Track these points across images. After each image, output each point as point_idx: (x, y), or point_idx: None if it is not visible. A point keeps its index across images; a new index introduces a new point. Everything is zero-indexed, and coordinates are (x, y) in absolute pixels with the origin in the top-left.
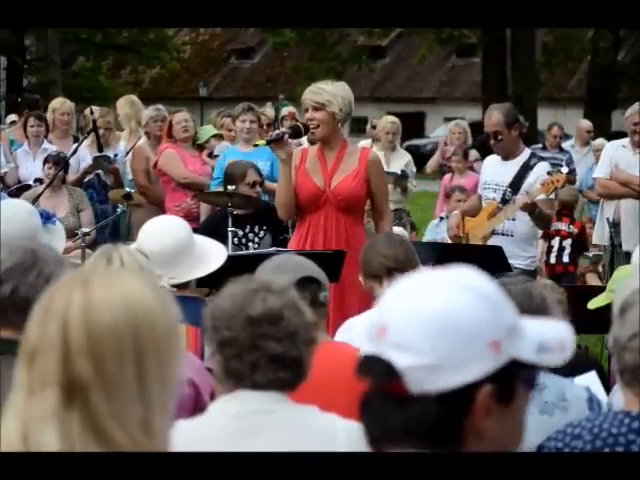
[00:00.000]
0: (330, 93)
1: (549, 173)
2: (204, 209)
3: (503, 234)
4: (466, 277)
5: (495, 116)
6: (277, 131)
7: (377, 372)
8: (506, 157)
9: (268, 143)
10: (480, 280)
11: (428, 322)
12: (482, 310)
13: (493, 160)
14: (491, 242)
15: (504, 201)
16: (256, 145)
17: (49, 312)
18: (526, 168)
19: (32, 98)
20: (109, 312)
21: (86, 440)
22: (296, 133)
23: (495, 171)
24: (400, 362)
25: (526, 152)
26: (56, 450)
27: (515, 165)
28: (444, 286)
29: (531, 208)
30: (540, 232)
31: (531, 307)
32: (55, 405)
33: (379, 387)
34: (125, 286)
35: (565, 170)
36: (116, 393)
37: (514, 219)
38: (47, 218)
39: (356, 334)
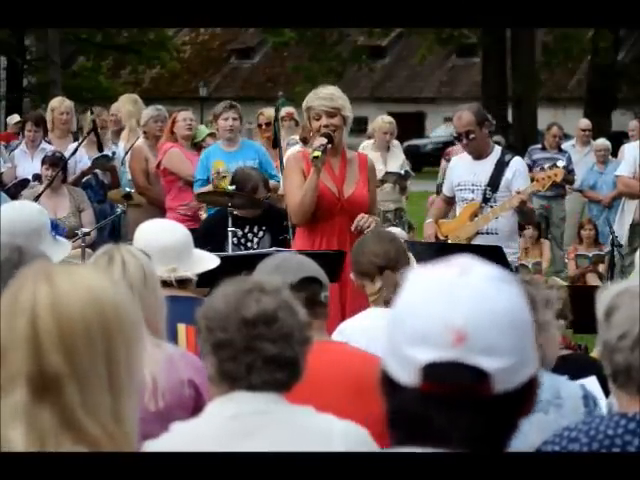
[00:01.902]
0: (340, 97)
1: (542, 169)
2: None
3: (488, 233)
4: (496, 271)
5: (466, 116)
6: (323, 142)
7: (465, 378)
8: (478, 156)
9: (323, 154)
10: (502, 272)
11: (504, 322)
12: (524, 302)
13: (463, 160)
14: (477, 241)
15: (485, 200)
16: (316, 157)
17: (15, 309)
18: (501, 165)
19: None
20: (77, 305)
21: (57, 433)
22: (330, 141)
23: (468, 171)
24: (489, 366)
25: (497, 149)
26: (22, 445)
27: (489, 163)
28: (498, 283)
29: (523, 207)
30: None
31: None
32: (24, 401)
33: (462, 392)
34: (88, 280)
35: (562, 164)
36: (88, 383)
37: (497, 217)
38: (55, 228)
39: (352, 335)
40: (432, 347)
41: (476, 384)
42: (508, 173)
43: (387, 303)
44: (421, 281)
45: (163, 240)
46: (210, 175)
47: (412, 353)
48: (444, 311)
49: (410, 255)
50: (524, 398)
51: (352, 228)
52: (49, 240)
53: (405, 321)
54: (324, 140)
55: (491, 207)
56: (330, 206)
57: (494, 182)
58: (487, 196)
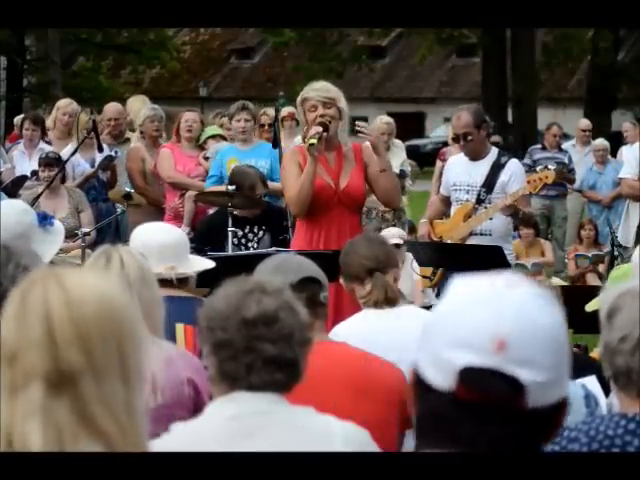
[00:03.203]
0: (335, 90)
1: (535, 171)
2: (188, 209)
3: (482, 234)
4: (540, 290)
5: (464, 117)
6: (317, 130)
7: (501, 386)
8: (475, 157)
9: (319, 141)
10: (545, 292)
11: (545, 338)
12: (565, 323)
13: (459, 161)
14: (471, 242)
15: (479, 201)
16: (312, 145)
17: (26, 310)
18: (497, 167)
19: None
20: (89, 302)
21: (73, 430)
22: (326, 130)
23: (464, 172)
24: (526, 378)
25: (493, 151)
26: (41, 444)
27: (485, 165)
28: (542, 300)
29: (512, 210)
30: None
31: None
32: (40, 399)
33: (495, 402)
34: (95, 279)
35: (553, 166)
36: (103, 377)
37: (491, 218)
38: (44, 218)
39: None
40: (472, 352)
41: (511, 394)
42: (504, 175)
43: (377, 305)
44: (467, 288)
45: (161, 239)
46: (224, 171)
47: (451, 356)
48: (489, 318)
49: (409, 255)
50: (553, 419)
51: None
52: (39, 236)
53: (447, 324)
54: (319, 128)
55: (485, 208)
56: (327, 199)
57: (489, 183)
58: (481, 197)
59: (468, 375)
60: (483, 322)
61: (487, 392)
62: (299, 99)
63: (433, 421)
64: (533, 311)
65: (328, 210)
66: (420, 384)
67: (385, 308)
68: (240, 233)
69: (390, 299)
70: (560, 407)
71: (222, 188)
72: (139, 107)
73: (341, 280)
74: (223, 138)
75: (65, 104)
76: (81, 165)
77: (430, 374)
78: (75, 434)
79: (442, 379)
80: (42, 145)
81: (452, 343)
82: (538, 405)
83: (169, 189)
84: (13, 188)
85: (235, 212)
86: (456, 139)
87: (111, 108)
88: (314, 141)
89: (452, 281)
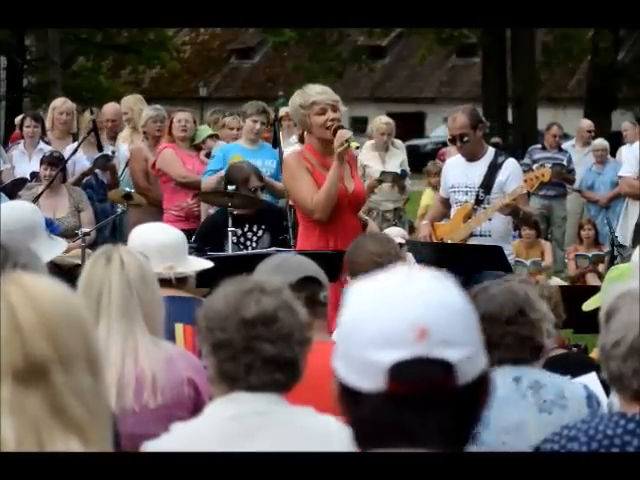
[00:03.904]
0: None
1: (531, 170)
2: (204, 209)
3: (481, 235)
4: (433, 272)
5: (460, 118)
6: (348, 133)
7: (433, 372)
8: (472, 158)
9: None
10: (439, 272)
11: (460, 314)
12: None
13: (457, 162)
14: (471, 243)
15: (478, 202)
16: (358, 147)
17: None
18: (494, 167)
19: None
20: (50, 296)
21: (47, 423)
22: None
23: (462, 173)
24: (453, 357)
25: (490, 151)
26: (14, 440)
27: (482, 165)
28: (441, 280)
29: (510, 209)
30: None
31: (517, 303)
32: (10, 396)
33: (429, 388)
34: (48, 280)
35: (549, 165)
36: (72, 366)
37: (490, 219)
38: (49, 224)
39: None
40: (396, 347)
41: (443, 377)
42: (501, 175)
43: None
44: (369, 289)
45: (160, 239)
46: (225, 168)
47: (376, 357)
48: (401, 310)
49: (410, 255)
50: (482, 389)
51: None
52: (43, 238)
53: (362, 328)
54: (348, 132)
55: (484, 209)
56: (340, 202)
57: (487, 184)
58: (480, 198)
59: (398, 370)
60: (397, 315)
61: (420, 381)
62: (303, 102)
63: (373, 425)
64: (441, 292)
65: (340, 214)
66: (347, 393)
67: None
68: (239, 232)
69: None
70: (484, 378)
71: (216, 179)
72: (138, 107)
73: (347, 277)
74: (217, 137)
75: (60, 103)
76: (82, 163)
77: (355, 380)
78: (49, 427)
79: (370, 382)
80: (42, 145)
81: (373, 344)
82: (467, 380)
83: (178, 189)
84: (13, 189)
85: (235, 212)
86: (453, 140)
87: (109, 109)
88: (355, 144)
89: (349, 288)
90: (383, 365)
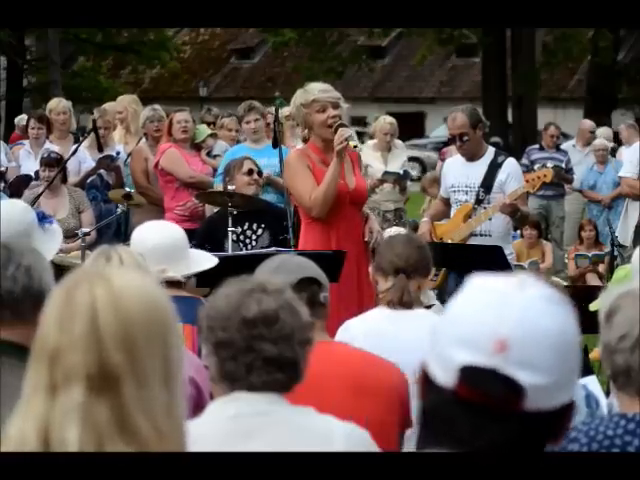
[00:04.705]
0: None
1: (533, 171)
2: (209, 208)
3: (482, 235)
4: (552, 292)
5: (460, 118)
6: (349, 131)
7: (500, 387)
8: (472, 158)
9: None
10: (558, 294)
11: (549, 341)
12: (576, 326)
13: (456, 162)
14: (471, 243)
15: (478, 202)
16: (356, 146)
17: (72, 310)
18: (494, 166)
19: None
20: (136, 304)
21: (111, 433)
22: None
23: (461, 173)
24: (524, 380)
25: (490, 151)
26: (77, 445)
27: (482, 165)
28: (552, 301)
29: (511, 209)
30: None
31: None
32: (81, 400)
33: (493, 402)
34: (142, 281)
35: (551, 164)
36: (146, 381)
37: (490, 219)
38: (42, 218)
39: (356, 333)
40: (472, 351)
41: (509, 396)
42: (501, 175)
43: (390, 304)
44: (478, 287)
45: (152, 241)
46: None
47: (452, 353)
48: (492, 319)
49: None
50: (557, 422)
51: (370, 243)
52: (39, 235)
53: (453, 322)
54: (349, 130)
55: (484, 208)
56: (342, 198)
57: (487, 183)
58: (480, 198)
59: (467, 373)
60: (486, 322)
61: (485, 392)
62: (304, 100)
63: (435, 417)
64: (539, 313)
65: (341, 210)
66: (426, 380)
67: (398, 310)
68: (239, 230)
69: (404, 303)
70: (565, 411)
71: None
72: (132, 107)
73: (370, 268)
74: (216, 136)
75: (55, 104)
76: (87, 162)
77: (435, 370)
78: (113, 437)
79: (444, 376)
80: (48, 145)
81: (455, 341)
82: (539, 408)
83: (182, 189)
84: (18, 187)
85: (234, 212)
86: (452, 140)
87: (110, 110)
88: (356, 143)
89: (469, 279)
90: (455, 363)
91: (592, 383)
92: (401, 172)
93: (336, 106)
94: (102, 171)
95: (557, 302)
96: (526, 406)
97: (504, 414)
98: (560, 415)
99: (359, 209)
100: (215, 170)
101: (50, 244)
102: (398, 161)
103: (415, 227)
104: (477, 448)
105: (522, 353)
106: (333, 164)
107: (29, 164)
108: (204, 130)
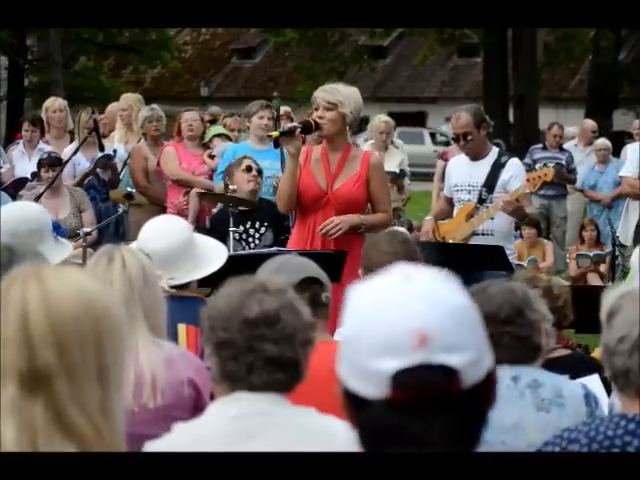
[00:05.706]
0: (343, 95)
1: (535, 170)
2: (192, 206)
3: (484, 234)
4: (435, 272)
5: (464, 117)
6: (290, 125)
7: (435, 378)
8: (476, 157)
9: (281, 134)
10: (441, 271)
11: (459, 317)
12: (469, 296)
13: (460, 161)
14: (473, 242)
15: (481, 201)
16: (269, 136)
17: (5, 306)
18: (497, 166)
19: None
20: (68, 302)
21: (48, 429)
22: (306, 128)
23: (465, 172)
24: (455, 362)
25: (494, 151)
26: (14, 443)
27: (485, 164)
28: (442, 282)
29: (512, 207)
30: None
31: (515, 303)
32: (14, 398)
33: (433, 394)
34: (77, 279)
35: (552, 164)
36: (79, 378)
37: (492, 218)
38: (57, 227)
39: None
40: (396, 355)
41: (446, 382)
42: (505, 174)
43: None
44: (367, 294)
45: (153, 245)
46: None
47: (377, 365)
48: (400, 317)
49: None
50: (488, 389)
51: (318, 229)
52: (50, 240)
53: (362, 336)
54: (295, 124)
55: (487, 208)
56: (315, 199)
57: (490, 183)
58: (483, 197)
59: (400, 378)
60: (396, 322)
61: (423, 388)
62: (312, 100)
63: (378, 432)
64: (439, 295)
65: (316, 210)
66: (351, 399)
67: None
68: (241, 229)
69: None
70: (491, 375)
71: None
72: (137, 106)
73: (360, 271)
74: (228, 138)
75: (51, 103)
76: (82, 164)
77: (360, 387)
78: (49, 434)
79: (374, 389)
80: (41, 145)
81: (373, 352)
82: (471, 383)
83: (172, 187)
84: (15, 189)
85: (236, 211)
86: (456, 139)
87: (113, 109)
88: (275, 133)
89: (351, 292)
90: (384, 374)
91: (592, 382)
92: (397, 171)
93: (328, 108)
94: (98, 170)
95: (444, 279)
96: (463, 385)
97: (447, 401)
98: (489, 380)
99: (343, 212)
100: (213, 170)
101: (58, 253)
102: (395, 160)
103: (410, 226)
104: (434, 441)
105: (442, 338)
106: (286, 163)
107: (23, 165)
108: (214, 130)
